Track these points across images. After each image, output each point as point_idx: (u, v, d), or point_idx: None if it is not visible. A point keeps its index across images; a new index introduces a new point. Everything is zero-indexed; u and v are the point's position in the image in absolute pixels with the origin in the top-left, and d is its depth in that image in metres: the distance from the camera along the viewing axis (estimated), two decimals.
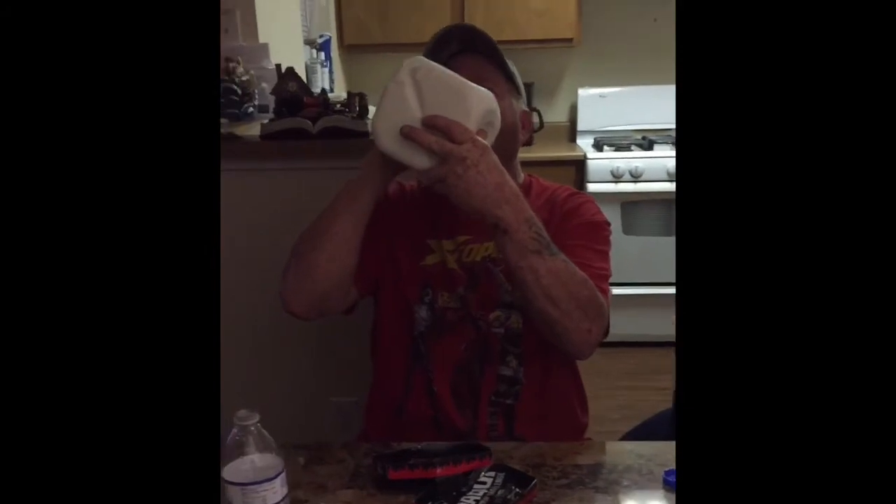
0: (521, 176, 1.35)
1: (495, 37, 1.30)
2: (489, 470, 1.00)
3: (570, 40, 3.54)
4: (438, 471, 0.99)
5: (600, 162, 3.33)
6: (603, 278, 1.21)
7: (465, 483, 0.97)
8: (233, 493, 0.83)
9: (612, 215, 3.29)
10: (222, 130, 1.84)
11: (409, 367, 1.26)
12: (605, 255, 1.25)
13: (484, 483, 0.98)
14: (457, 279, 1.27)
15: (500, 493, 0.96)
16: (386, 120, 1.10)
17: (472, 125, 1.08)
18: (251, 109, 2.07)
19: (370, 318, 1.34)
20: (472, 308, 1.26)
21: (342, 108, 1.81)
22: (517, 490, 0.96)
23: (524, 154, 1.34)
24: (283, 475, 0.85)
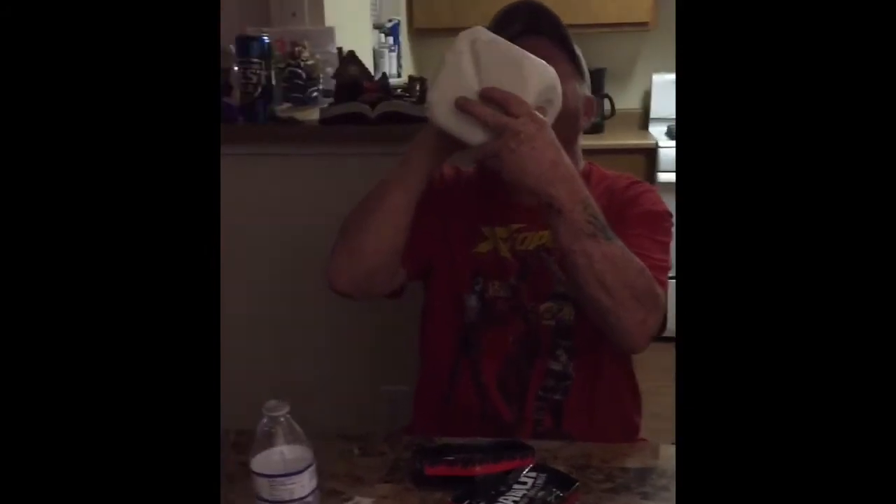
0: (582, 163, 1.30)
1: (567, 20, 1.25)
2: (530, 470, 0.96)
3: (645, 24, 3.43)
4: (477, 469, 0.96)
5: (673, 151, 3.22)
6: (661, 270, 1.15)
7: (504, 482, 0.94)
8: (260, 484, 0.82)
9: None
10: (285, 115, 1.85)
11: (457, 357, 1.24)
12: (665, 247, 1.20)
13: (524, 483, 0.94)
14: (508, 268, 1.23)
15: (540, 494, 0.92)
16: (441, 91, 1.07)
17: (530, 99, 1.03)
18: (315, 94, 2.06)
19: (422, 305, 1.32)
20: (523, 298, 1.22)
21: (402, 92, 1.79)
22: (558, 493, 0.92)
23: (593, 141, 1.29)
24: (313, 468, 0.83)
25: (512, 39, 1.18)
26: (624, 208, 1.22)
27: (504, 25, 1.21)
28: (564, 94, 1.12)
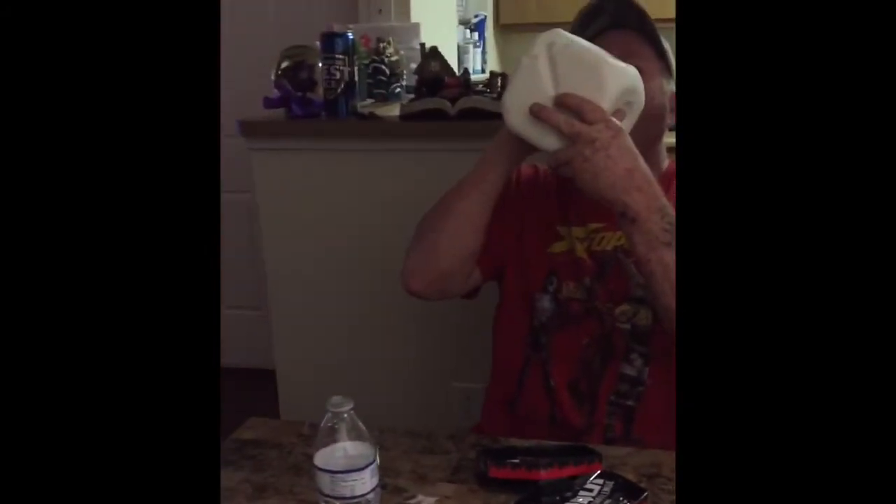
0: (666, 162, 1.26)
1: (657, 13, 1.22)
2: (597, 477, 0.94)
3: None
4: (542, 473, 0.94)
5: None
6: None
7: (570, 488, 0.92)
8: (322, 479, 0.82)
9: None
10: (366, 110, 1.86)
11: (526, 359, 1.22)
12: None
13: (590, 490, 0.92)
14: (584, 268, 1.20)
15: (606, 502, 0.90)
16: (517, 96, 1.05)
17: (606, 104, 1.01)
18: (398, 90, 2.07)
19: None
20: (599, 300, 1.19)
21: (483, 88, 1.78)
22: (625, 502, 0.90)
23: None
24: (374, 466, 0.83)
25: (598, 34, 1.16)
26: None
27: (590, 20, 1.19)
28: (649, 92, 1.09)
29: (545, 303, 1.21)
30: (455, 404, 1.74)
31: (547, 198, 1.26)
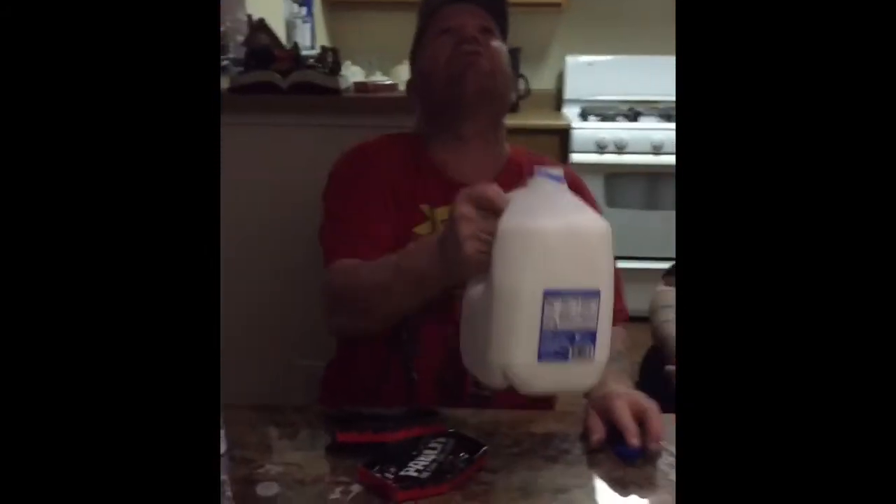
0: (506, 147, 1.26)
1: None
2: (440, 436, 0.98)
3: (558, 5, 3.48)
4: (388, 435, 0.97)
5: (585, 132, 3.29)
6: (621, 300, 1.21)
7: (415, 448, 0.95)
8: None
9: (595, 187, 3.25)
10: None
11: (388, 354, 1.17)
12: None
13: (434, 448, 0.96)
14: None
15: (449, 458, 0.94)
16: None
17: None
18: (225, 62, 2.01)
19: None
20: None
21: (315, 62, 1.76)
22: (466, 456, 0.94)
23: (508, 121, 1.26)
24: (220, 434, 0.82)
25: (442, 5, 1.16)
26: None
27: None
28: (502, 71, 1.15)
29: None
30: (298, 382, 1.72)
31: (408, 175, 1.21)
